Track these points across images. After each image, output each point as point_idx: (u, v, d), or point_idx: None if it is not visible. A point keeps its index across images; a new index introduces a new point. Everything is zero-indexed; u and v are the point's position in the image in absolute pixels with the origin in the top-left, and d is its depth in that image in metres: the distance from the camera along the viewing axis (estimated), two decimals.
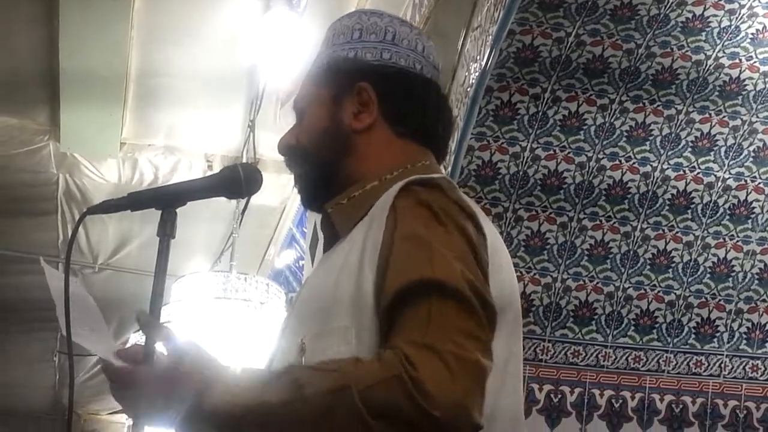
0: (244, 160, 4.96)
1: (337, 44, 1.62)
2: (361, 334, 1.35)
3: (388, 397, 1.21)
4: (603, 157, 3.61)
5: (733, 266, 3.79)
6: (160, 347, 1.35)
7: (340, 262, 1.45)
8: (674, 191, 3.70)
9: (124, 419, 7.55)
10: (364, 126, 1.57)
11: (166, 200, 1.51)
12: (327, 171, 1.58)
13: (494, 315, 1.34)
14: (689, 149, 3.64)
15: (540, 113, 3.51)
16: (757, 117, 3.60)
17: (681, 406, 3.77)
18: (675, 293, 3.79)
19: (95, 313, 1.62)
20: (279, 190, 5.24)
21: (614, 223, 3.71)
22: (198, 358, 1.33)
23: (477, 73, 3.45)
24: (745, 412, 3.78)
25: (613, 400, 3.75)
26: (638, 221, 3.72)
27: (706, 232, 3.76)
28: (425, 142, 1.61)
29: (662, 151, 3.63)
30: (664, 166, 3.66)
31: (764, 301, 3.82)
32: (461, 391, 1.22)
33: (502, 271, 1.44)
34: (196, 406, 1.27)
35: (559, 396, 3.71)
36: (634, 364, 3.77)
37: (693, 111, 3.57)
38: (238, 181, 1.53)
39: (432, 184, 1.42)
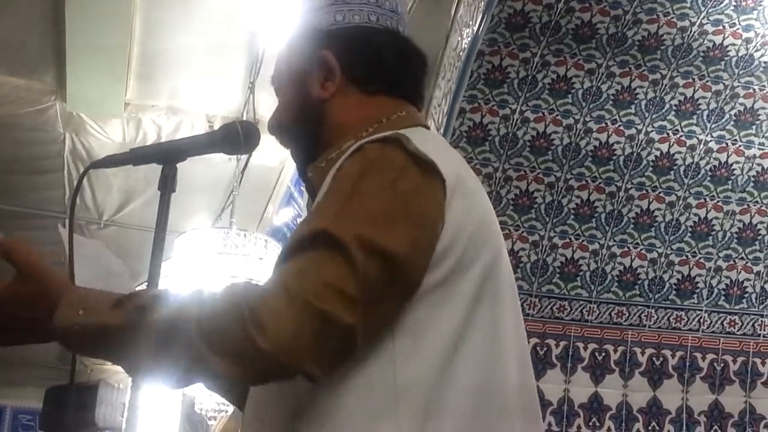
0: None
1: (299, 17, 1.59)
2: None
3: (226, 323, 1.20)
4: (590, 120, 3.62)
5: (713, 225, 3.82)
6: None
7: None
8: (658, 153, 3.71)
9: None
10: (331, 94, 1.53)
11: (167, 156, 1.52)
12: (308, 143, 1.56)
13: (397, 276, 1.27)
14: (673, 113, 3.65)
15: (530, 77, 3.51)
16: (739, 82, 3.60)
17: (661, 359, 3.81)
18: (657, 251, 3.82)
19: (118, 269, 1.64)
20: (277, 150, 5.19)
21: (599, 183, 3.72)
22: (52, 279, 1.32)
23: (469, 38, 3.45)
24: (722, 365, 3.82)
25: (597, 353, 3.78)
26: (623, 182, 3.73)
27: (687, 192, 3.78)
28: (398, 93, 1.56)
29: (647, 115, 3.64)
30: (649, 129, 3.67)
31: (742, 259, 3.85)
32: (297, 335, 1.19)
33: (468, 223, 1.36)
34: (46, 323, 1.28)
35: (545, 349, 3.74)
36: (617, 318, 3.80)
37: (677, 76, 3.58)
38: (236, 136, 1.53)
39: (391, 140, 1.35)
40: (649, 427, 3.75)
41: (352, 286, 1.22)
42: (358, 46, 1.54)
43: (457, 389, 1.29)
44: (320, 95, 1.53)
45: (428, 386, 1.28)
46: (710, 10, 3.41)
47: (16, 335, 1.34)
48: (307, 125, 1.55)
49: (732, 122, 3.69)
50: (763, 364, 3.83)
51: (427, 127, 1.57)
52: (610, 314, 3.80)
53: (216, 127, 5.32)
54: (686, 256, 3.83)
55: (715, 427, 3.78)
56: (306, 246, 1.26)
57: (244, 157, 4.89)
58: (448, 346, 1.30)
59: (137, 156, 1.53)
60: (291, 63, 1.59)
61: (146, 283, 1.46)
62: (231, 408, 5.21)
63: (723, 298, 3.86)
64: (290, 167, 5.45)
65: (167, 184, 1.50)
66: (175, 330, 1.22)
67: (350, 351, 1.24)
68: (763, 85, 3.61)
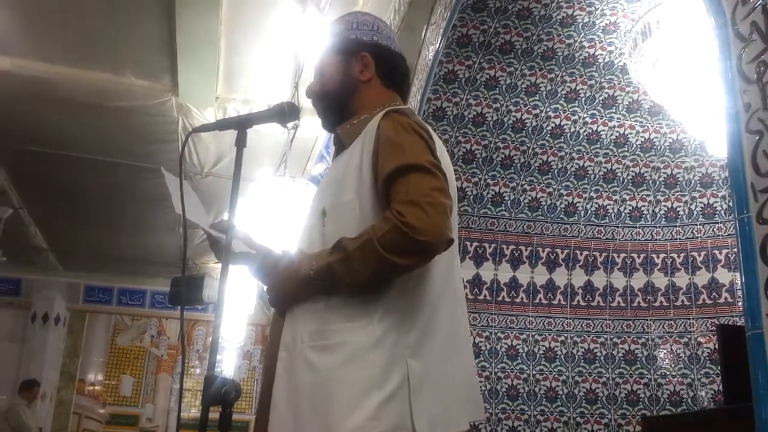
0: None
1: (343, 31, 1.61)
2: (362, 204, 1.37)
3: (392, 237, 1.25)
4: (510, 104, 3.64)
5: (587, 170, 3.85)
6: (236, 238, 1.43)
7: (346, 160, 1.45)
8: (553, 125, 3.73)
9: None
10: (366, 78, 1.56)
11: (240, 124, 1.52)
12: (339, 105, 1.58)
13: (447, 181, 1.35)
14: (563, 99, 3.67)
15: (471, 77, 3.53)
16: (604, 79, 3.62)
17: (555, 254, 3.87)
18: (552, 187, 3.85)
19: (196, 202, 1.68)
20: (314, 126, 5.26)
21: (516, 144, 3.74)
22: (293, 257, 1.41)
23: (433, 53, 3.47)
24: (593, 258, 3.88)
25: (514, 251, 3.84)
26: (531, 143, 3.76)
27: (572, 149, 3.80)
28: (397, 90, 1.60)
29: (546, 100, 3.66)
30: (547, 109, 3.69)
31: (606, 192, 3.88)
32: (436, 222, 1.25)
33: (446, 174, 1.41)
34: (297, 273, 1.37)
35: (482, 249, 3.79)
36: (527, 230, 3.85)
37: (565, 75, 3.59)
38: (283, 111, 1.54)
39: (402, 112, 1.42)
40: (547, 297, 3.83)
41: (441, 183, 1.31)
42: (386, 58, 1.58)
43: (442, 262, 1.38)
44: (360, 77, 1.56)
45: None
46: (587, 33, 3.42)
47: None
48: (345, 94, 1.56)
49: (600, 104, 3.70)
50: (618, 257, 3.87)
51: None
52: (522, 227, 3.85)
53: None
54: (571, 190, 3.86)
55: (588, 296, 3.85)
56: (401, 174, 1.31)
57: (293, 131, 4.91)
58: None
59: (221, 124, 1.55)
60: (338, 54, 1.59)
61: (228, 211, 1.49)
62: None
63: (593, 216, 3.90)
64: (321, 137, 5.48)
65: (241, 143, 1.51)
66: (368, 250, 1.27)
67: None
68: (620, 80, 3.62)
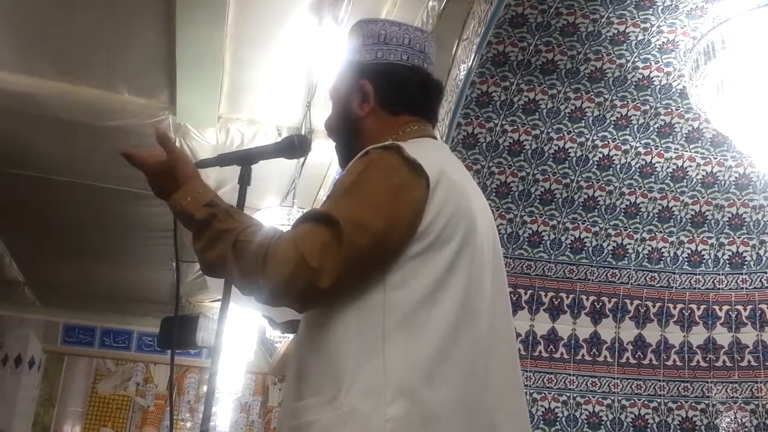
0: (303, 131, 5.00)
1: (351, 49, 1.58)
2: None
3: (249, 250, 1.27)
4: (551, 131, 3.61)
5: (639, 208, 3.81)
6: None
7: None
8: (601, 155, 3.70)
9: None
10: (366, 113, 1.52)
11: (244, 159, 1.54)
12: (347, 144, 1.56)
13: (374, 245, 1.26)
14: (612, 126, 3.64)
15: (508, 100, 3.51)
16: (660, 104, 3.59)
17: (600, 303, 3.81)
18: (599, 226, 3.81)
19: None
20: (327, 150, 5.26)
21: (558, 176, 3.71)
22: (185, 168, 1.44)
23: (465, 72, 3.45)
24: (645, 308, 3.83)
25: (553, 299, 3.79)
26: (575, 175, 3.73)
27: (622, 184, 3.76)
28: (414, 112, 1.54)
29: (593, 127, 3.63)
30: (594, 138, 3.66)
31: (661, 232, 3.84)
32: (290, 278, 1.22)
33: (447, 207, 1.32)
34: (167, 197, 1.43)
35: (516, 296, 3.74)
36: (569, 274, 3.81)
37: (615, 99, 3.56)
38: (293, 146, 1.56)
39: (390, 147, 1.34)
40: (591, 353, 3.77)
41: (337, 252, 1.23)
42: (390, 79, 1.52)
43: (439, 315, 1.26)
44: (358, 113, 1.53)
45: (411, 317, 1.26)
46: (641, 51, 3.40)
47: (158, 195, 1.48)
48: (347, 132, 1.55)
49: (655, 133, 3.67)
50: (675, 308, 3.82)
51: (434, 137, 1.55)
52: (563, 271, 3.81)
53: (283, 134, 5.37)
54: (620, 230, 3.82)
55: (639, 353, 3.79)
56: (315, 219, 1.28)
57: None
58: (426, 295, 1.27)
59: (222, 160, 1.58)
60: (341, 84, 1.58)
61: None
62: (292, 335, 5.26)
63: (646, 260, 3.85)
64: (335, 162, 5.48)
65: (244, 180, 1.52)
66: (221, 239, 1.31)
67: (322, 297, 1.26)
68: (678, 106, 3.59)
